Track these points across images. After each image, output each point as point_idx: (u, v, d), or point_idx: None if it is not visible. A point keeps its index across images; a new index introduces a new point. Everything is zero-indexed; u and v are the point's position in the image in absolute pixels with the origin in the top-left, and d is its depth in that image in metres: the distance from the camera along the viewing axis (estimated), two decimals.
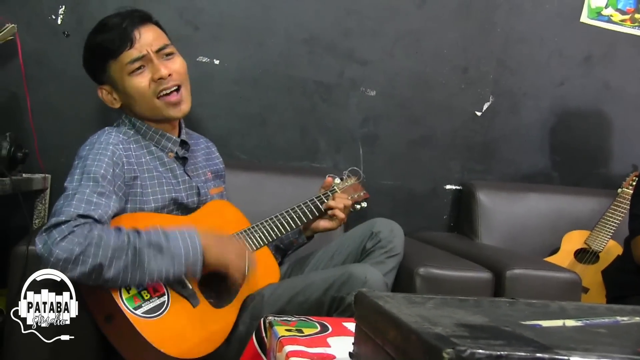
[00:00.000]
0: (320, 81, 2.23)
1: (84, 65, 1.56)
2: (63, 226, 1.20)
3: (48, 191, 1.93)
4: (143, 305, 1.26)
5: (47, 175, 1.92)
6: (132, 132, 1.52)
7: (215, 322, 1.37)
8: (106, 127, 1.50)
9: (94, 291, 1.27)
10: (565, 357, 0.56)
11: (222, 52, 2.11)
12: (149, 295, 1.28)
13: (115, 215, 1.35)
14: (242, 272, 1.38)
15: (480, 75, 2.37)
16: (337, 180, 1.72)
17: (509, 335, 0.63)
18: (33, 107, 1.89)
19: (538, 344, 0.59)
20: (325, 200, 1.66)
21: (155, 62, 1.47)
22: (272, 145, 2.21)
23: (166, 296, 1.30)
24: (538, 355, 0.56)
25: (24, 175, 1.75)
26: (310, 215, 1.63)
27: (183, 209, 1.52)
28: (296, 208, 1.62)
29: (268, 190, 2.02)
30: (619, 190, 2.30)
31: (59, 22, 1.98)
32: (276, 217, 1.59)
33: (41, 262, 1.21)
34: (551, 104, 2.45)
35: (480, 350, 0.55)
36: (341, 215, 1.64)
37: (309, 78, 2.22)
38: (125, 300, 1.25)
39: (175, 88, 1.50)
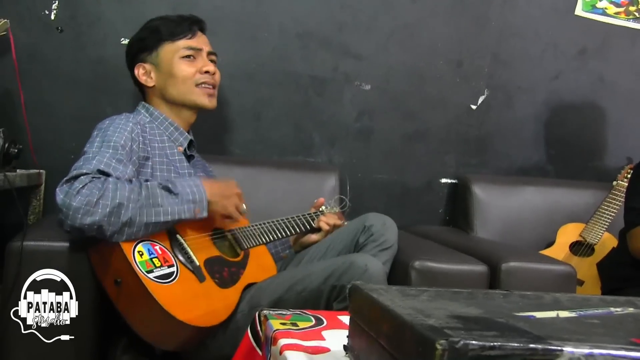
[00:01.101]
0: (315, 76, 2.22)
1: (133, 43, 1.69)
2: (83, 177, 1.26)
3: (42, 187, 1.92)
4: (154, 270, 1.29)
5: (41, 170, 1.91)
6: (147, 120, 1.62)
7: (219, 300, 1.39)
8: (124, 113, 1.58)
9: (106, 253, 1.30)
10: (559, 348, 0.56)
11: (215, 47, 2.08)
12: (159, 263, 1.31)
13: None
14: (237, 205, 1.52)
15: (475, 69, 2.37)
16: (323, 208, 1.79)
17: (502, 327, 0.63)
18: (27, 103, 1.88)
19: (531, 335, 0.59)
20: (316, 218, 1.73)
21: (205, 58, 1.68)
22: (267, 139, 2.21)
23: (175, 267, 1.33)
24: (531, 345, 0.56)
25: (18, 171, 1.74)
26: (302, 228, 1.71)
27: None
28: (290, 219, 1.69)
29: (262, 185, 2.02)
30: (614, 182, 2.30)
31: (52, 17, 1.97)
32: (272, 222, 1.65)
33: (60, 212, 1.24)
34: (546, 97, 2.45)
35: (473, 341, 0.55)
36: (326, 227, 1.71)
37: (303, 73, 2.21)
38: (138, 263, 1.27)
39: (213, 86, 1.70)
